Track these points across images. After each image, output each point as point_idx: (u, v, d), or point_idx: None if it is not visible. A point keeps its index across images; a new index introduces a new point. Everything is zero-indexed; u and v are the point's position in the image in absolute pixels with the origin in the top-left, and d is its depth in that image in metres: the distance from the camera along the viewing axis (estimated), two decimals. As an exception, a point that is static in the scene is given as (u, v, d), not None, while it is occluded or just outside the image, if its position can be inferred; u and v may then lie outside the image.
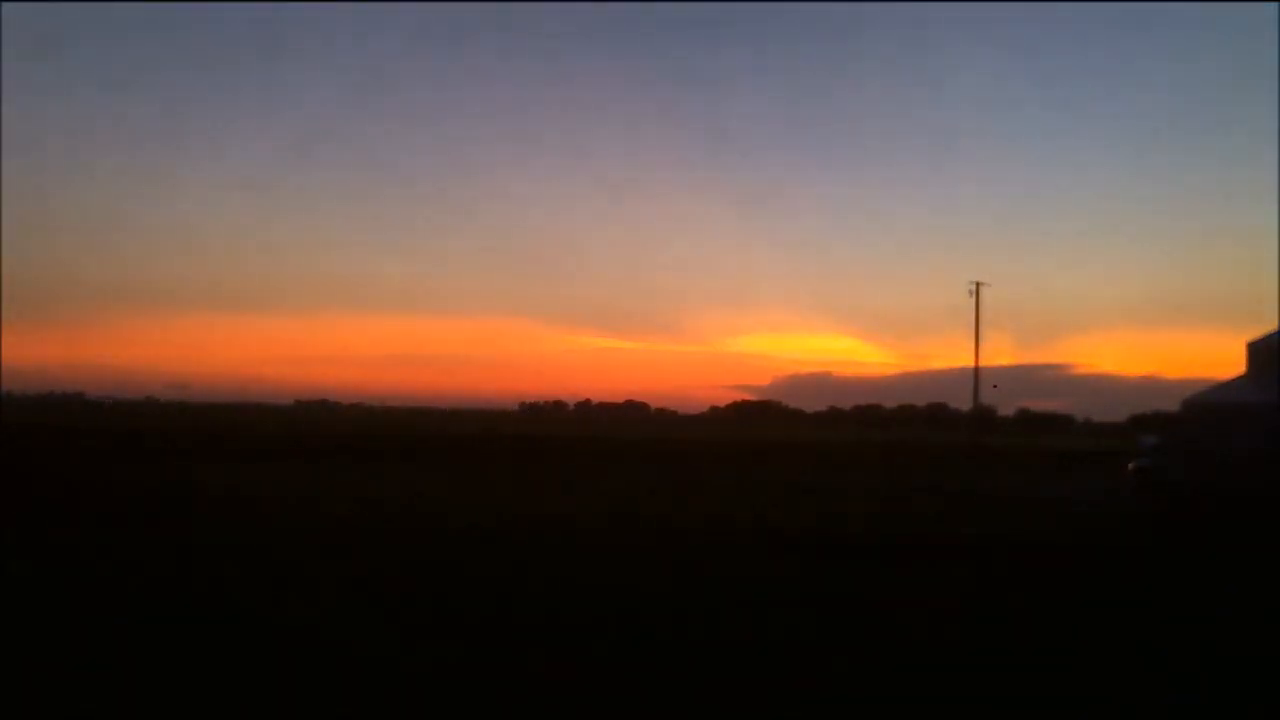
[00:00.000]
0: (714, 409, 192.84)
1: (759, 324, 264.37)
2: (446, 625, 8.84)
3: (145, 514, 16.97)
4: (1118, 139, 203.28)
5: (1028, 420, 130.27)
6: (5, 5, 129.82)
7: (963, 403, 74.47)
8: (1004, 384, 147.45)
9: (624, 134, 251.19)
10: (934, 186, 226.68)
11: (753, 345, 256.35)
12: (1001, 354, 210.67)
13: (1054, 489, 28.49)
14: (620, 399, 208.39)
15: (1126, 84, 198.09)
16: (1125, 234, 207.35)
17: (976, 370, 70.09)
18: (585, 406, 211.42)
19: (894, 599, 10.58)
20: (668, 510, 19.86)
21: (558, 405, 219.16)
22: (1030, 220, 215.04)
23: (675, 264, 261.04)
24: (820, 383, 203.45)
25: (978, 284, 68.37)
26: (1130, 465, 23.80)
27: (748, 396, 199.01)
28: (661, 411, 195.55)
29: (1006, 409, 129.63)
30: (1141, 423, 73.93)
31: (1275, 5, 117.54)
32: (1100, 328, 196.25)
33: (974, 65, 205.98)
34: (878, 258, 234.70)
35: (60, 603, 9.50)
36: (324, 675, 7.12)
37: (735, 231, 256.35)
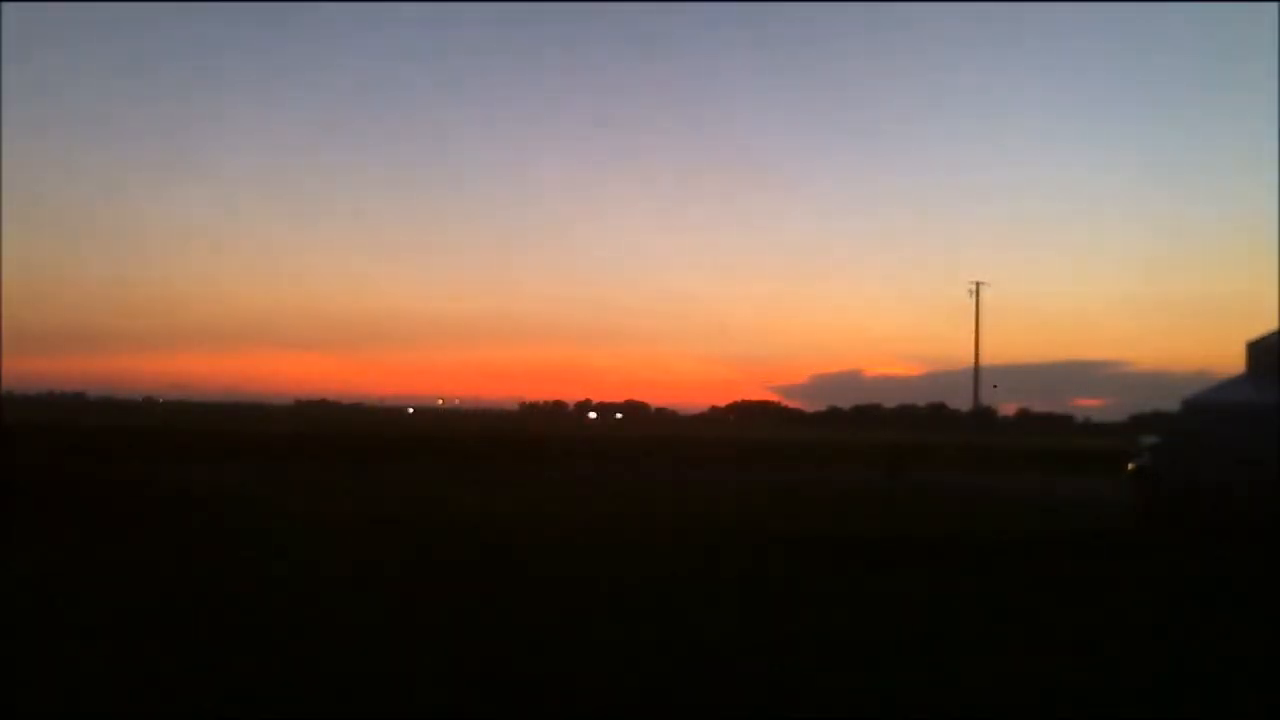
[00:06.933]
0: (714, 409, 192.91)
1: (771, 323, 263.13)
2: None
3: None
4: (1117, 137, 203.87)
5: (1028, 420, 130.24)
6: (5, 5, 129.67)
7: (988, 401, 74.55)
8: (1042, 381, 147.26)
9: (628, 132, 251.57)
10: (942, 191, 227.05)
11: (771, 345, 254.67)
12: (1042, 351, 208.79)
13: (1049, 488, 28.51)
14: (620, 399, 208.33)
15: (1126, 84, 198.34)
16: (1129, 233, 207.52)
17: (976, 370, 70.05)
18: (585, 406, 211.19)
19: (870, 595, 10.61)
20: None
21: (558, 405, 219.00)
22: (1043, 220, 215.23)
23: (678, 263, 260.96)
24: (848, 382, 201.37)
25: (978, 284, 68.32)
26: (1130, 465, 23.79)
27: (775, 397, 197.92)
28: (662, 411, 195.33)
29: (1019, 406, 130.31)
30: (1141, 423, 73.79)
31: (1275, 5, 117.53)
32: (1141, 323, 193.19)
33: (986, 70, 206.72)
34: (891, 258, 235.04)
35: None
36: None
37: (737, 230, 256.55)
